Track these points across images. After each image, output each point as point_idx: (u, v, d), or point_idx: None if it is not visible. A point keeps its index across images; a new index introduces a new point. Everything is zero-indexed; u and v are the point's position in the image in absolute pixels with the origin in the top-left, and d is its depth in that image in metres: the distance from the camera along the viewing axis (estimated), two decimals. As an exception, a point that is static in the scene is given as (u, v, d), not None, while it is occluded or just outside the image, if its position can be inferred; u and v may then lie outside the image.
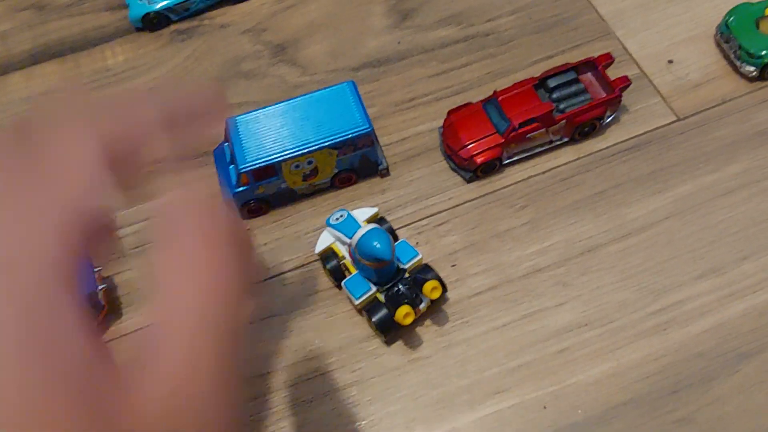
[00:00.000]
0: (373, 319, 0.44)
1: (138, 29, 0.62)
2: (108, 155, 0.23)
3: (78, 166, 0.22)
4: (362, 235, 0.42)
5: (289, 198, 0.51)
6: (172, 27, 0.63)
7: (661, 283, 0.47)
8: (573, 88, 0.52)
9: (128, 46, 0.62)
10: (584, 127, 0.52)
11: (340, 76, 0.58)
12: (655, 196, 0.50)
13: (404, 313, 0.43)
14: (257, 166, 0.47)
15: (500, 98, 0.51)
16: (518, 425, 0.43)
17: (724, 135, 0.52)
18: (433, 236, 0.50)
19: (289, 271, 0.49)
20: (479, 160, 0.50)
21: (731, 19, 0.56)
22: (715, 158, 0.51)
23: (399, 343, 0.46)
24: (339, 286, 0.47)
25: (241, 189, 0.49)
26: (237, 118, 0.49)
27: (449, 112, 0.53)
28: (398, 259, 0.45)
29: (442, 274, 0.45)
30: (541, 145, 0.52)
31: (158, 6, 0.61)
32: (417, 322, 0.46)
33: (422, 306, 0.45)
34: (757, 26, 0.55)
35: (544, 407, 0.43)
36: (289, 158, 0.48)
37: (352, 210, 0.47)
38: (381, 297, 0.45)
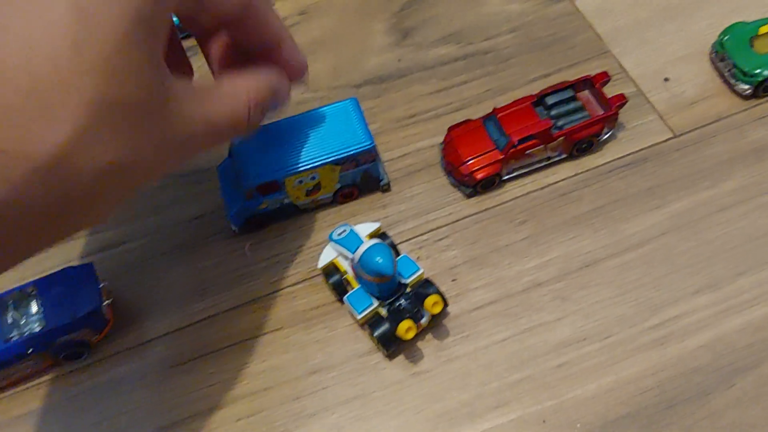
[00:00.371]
0: (375, 334, 0.45)
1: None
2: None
3: None
4: (365, 251, 0.43)
5: (291, 213, 0.52)
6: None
7: (659, 298, 0.47)
8: (571, 106, 0.53)
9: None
10: (582, 144, 0.53)
11: (342, 92, 0.58)
12: (652, 211, 0.51)
13: (406, 328, 0.44)
14: (262, 181, 0.48)
15: (499, 115, 0.52)
16: (518, 439, 0.43)
17: (720, 152, 0.53)
18: (434, 251, 0.50)
19: (292, 285, 0.50)
20: (479, 175, 0.51)
21: (726, 37, 0.57)
22: (711, 175, 0.52)
23: (401, 358, 0.46)
24: (341, 301, 0.47)
25: (244, 204, 0.49)
26: None
27: (449, 129, 0.53)
28: (400, 274, 0.46)
29: (442, 289, 0.46)
30: (540, 161, 0.53)
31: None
32: (418, 336, 0.46)
33: (424, 320, 0.45)
34: (752, 45, 0.55)
35: (544, 421, 0.43)
36: (293, 173, 0.48)
37: (355, 225, 0.48)
38: (383, 312, 0.45)
